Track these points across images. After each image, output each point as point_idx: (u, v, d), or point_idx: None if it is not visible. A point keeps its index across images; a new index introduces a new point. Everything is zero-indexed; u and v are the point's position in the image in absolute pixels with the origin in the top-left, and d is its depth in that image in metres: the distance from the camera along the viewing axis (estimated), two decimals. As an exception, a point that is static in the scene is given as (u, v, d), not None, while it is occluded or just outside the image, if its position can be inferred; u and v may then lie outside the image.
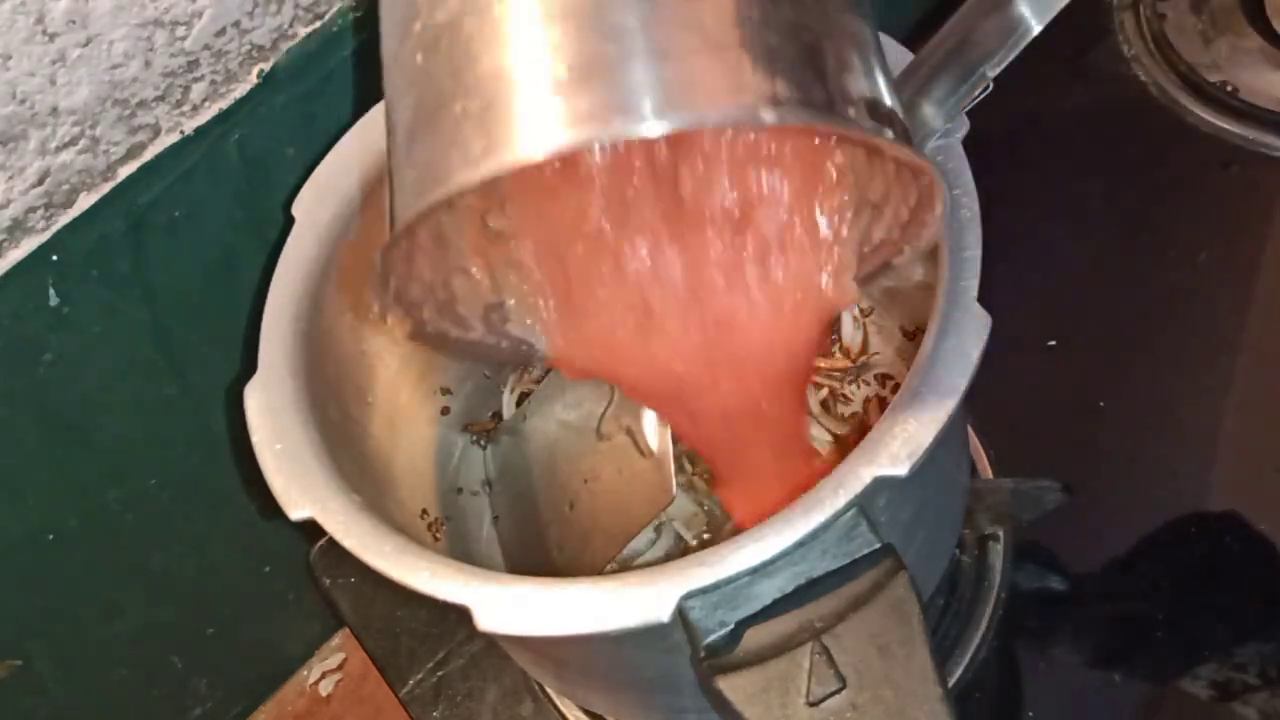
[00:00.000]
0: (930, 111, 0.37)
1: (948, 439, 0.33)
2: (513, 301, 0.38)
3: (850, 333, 0.53)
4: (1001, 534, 0.54)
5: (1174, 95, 0.65)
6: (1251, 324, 0.58)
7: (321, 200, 0.44)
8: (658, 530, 0.50)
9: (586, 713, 0.54)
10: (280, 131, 0.47)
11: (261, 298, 0.42)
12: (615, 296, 0.36)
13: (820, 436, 0.51)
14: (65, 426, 0.47)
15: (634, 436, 0.47)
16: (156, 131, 0.44)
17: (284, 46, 0.46)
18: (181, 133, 0.44)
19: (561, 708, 0.54)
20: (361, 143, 0.45)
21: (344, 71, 0.47)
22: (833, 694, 0.32)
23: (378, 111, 0.46)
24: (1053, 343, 0.59)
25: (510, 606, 0.33)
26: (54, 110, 0.40)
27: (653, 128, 0.26)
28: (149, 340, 0.48)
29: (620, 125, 0.26)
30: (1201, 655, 0.50)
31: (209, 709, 0.63)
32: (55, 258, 0.43)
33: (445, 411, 0.52)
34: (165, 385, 0.50)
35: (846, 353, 0.53)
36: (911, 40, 0.42)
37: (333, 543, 0.36)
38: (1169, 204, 0.62)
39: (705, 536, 0.49)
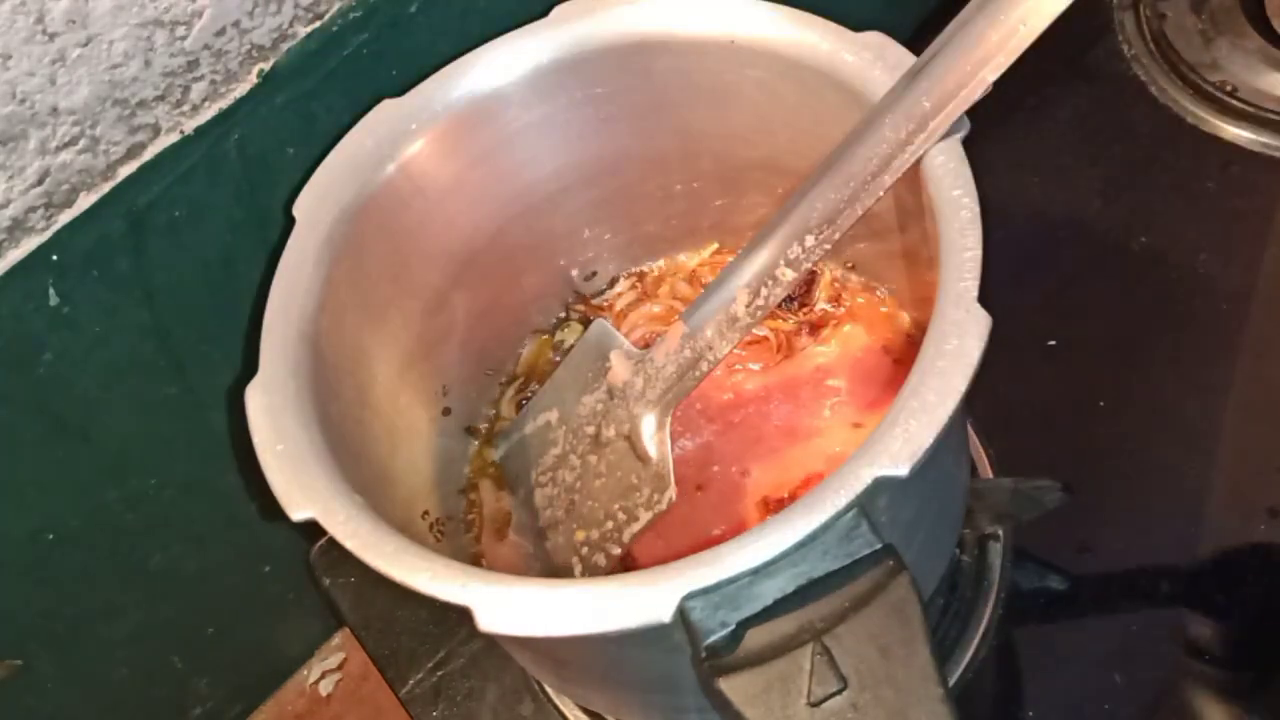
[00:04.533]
0: None
1: (948, 439, 0.34)
2: None
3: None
4: (1001, 534, 0.54)
5: (1174, 95, 0.65)
6: (1251, 324, 0.58)
7: (322, 200, 0.44)
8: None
9: (586, 712, 0.54)
10: (280, 131, 0.47)
11: (262, 298, 0.42)
12: None
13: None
14: (65, 426, 0.47)
15: (631, 443, 0.47)
16: (156, 131, 0.44)
17: (284, 46, 0.46)
18: (181, 133, 0.44)
19: (561, 707, 0.54)
20: (361, 143, 0.45)
21: (344, 71, 0.47)
22: (834, 694, 0.32)
23: (378, 111, 0.46)
24: (1053, 343, 0.59)
25: (511, 607, 0.33)
26: (54, 110, 0.40)
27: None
28: (149, 340, 0.48)
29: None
30: (1202, 656, 0.50)
31: (209, 709, 0.63)
32: (55, 258, 0.43)
33: (446, 412, 0.52)
34: (165, 385, 0.50)
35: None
36: (912, 41, 0.42)
37: (333, 542, 0.36)
38: (1169, 204, 0.62)
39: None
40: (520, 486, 0.52)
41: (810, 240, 0.41)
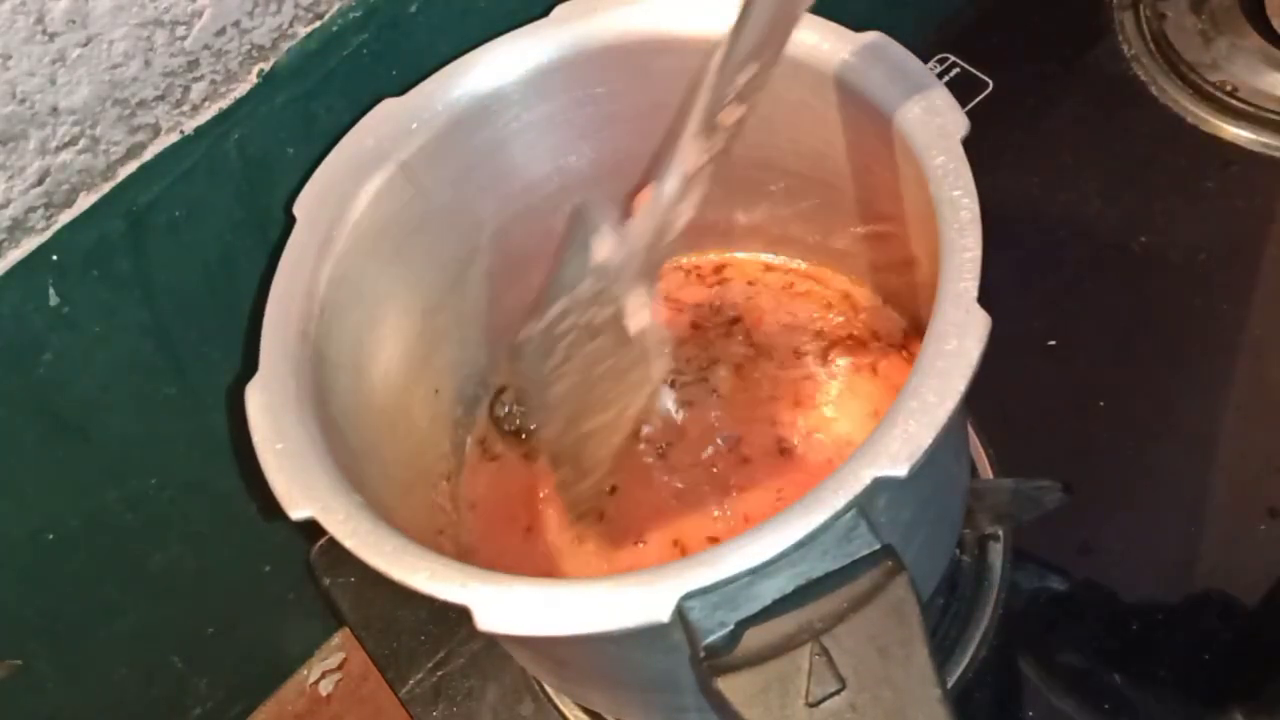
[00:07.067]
0: None
1: (948, 439, 0.34)
2: None
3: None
4: (1001, 534, 0.54)
5: (1174, 95, 0.65)
6: (1251, 324, 0.58)
7: (322, 200, 0.44)
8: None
9: (586, 712, 0.54)
10: (280, 131, 0.47)
11: (261, 298, 0.42)
12: None
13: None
14: (65, 426, 0.47)
15: (620, 323, 0.45)
16: (156, 131, 0.44)
17: (284, 46, 0.46)
18: (181, 133, 0.44)
19: (561, 707, 0.54)
20: (361, 143, 0.45)
21: (344, 71, 0.47)
22: (832, 695, 0.32)
23: (378, 111, 0.46)
24: (1053, 343, 0.59)
25: (510, 606, 0.33)
26: (54, 110, 0.40)
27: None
28: (149, 340, 0.48)
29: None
30: (1202, 655, 0.50)
31: (209, 709, 0.63)
32: (55, 258, 0.43)
33: (446, 410, 0.52)
34: (165, 385, 0.50)
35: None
36: (913, 41, 0.42)
37: (333, 542, 0.36)
38: (1169, 204, 0.62)
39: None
40: (536, 392, 0.50)
41: (747, 73, 0.39)
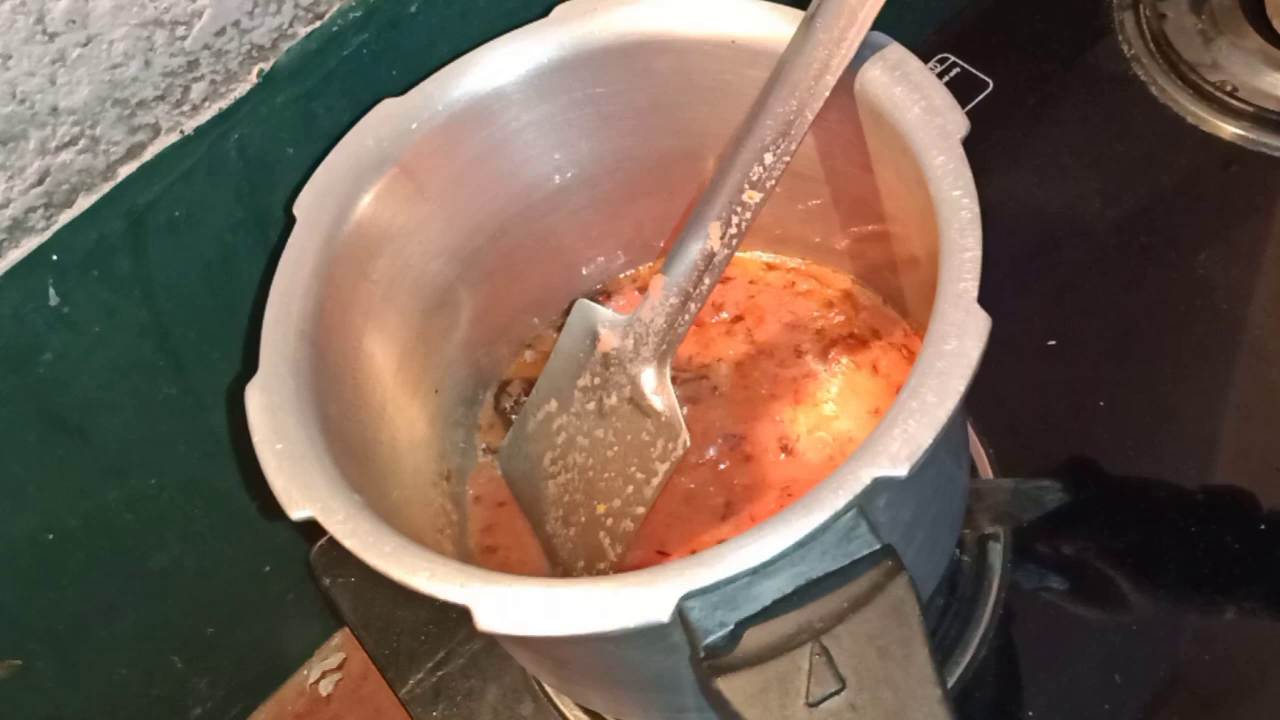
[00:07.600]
0: None
1: (948, 439, 0.34)
2: None
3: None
4: (1001, 534, 0.54)
5: (1174, 95, 0.65)
6: (1251, 324, 0.58)
7: (322, 200, 0.44)
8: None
9: (586, 712, 0.54)
10: (280, 131, 0.47)
11: (261, 298, 0.42)
12: None
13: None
14: (65, 426, 0.47)
15: (635, 403, 0.47)
16: (156, 131, 0.44)
17: (284, 46, 0.46)
18: (181, 133, 0.44)
19: (561, 707, 0.54)
20: (362, 143, 0.45)
21: (344, 71, 0.47)
22: (832, 695, 0.32)
23: (378, 111, 0.46)
24: (1053, 343, 0.59)
25: (510, 606, 0.33)
26: (54, 110, 0.41)
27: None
28: (149, 340, 0.48)
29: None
30: (1204, 656, 0.50)
31: (209, 709, 0.63)
32: (55, 258, 0.43)
33: (447, 410, 0.52)
34: (165, 385, 0.50)
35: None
36: (913, 41, 0.42)
37: (333, 542, 0.36)
38: (1169, 204, 0.62)
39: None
40: (528, 489, 0.51)
41: (769, 158, 0.42)
